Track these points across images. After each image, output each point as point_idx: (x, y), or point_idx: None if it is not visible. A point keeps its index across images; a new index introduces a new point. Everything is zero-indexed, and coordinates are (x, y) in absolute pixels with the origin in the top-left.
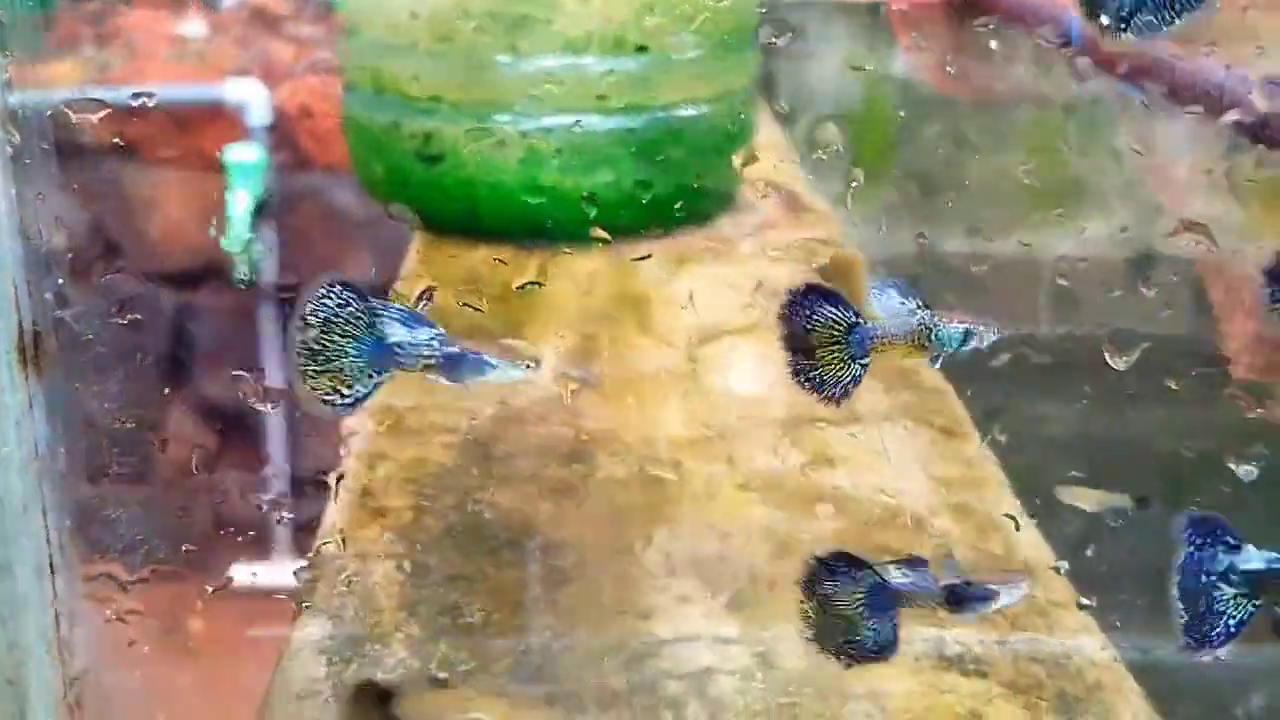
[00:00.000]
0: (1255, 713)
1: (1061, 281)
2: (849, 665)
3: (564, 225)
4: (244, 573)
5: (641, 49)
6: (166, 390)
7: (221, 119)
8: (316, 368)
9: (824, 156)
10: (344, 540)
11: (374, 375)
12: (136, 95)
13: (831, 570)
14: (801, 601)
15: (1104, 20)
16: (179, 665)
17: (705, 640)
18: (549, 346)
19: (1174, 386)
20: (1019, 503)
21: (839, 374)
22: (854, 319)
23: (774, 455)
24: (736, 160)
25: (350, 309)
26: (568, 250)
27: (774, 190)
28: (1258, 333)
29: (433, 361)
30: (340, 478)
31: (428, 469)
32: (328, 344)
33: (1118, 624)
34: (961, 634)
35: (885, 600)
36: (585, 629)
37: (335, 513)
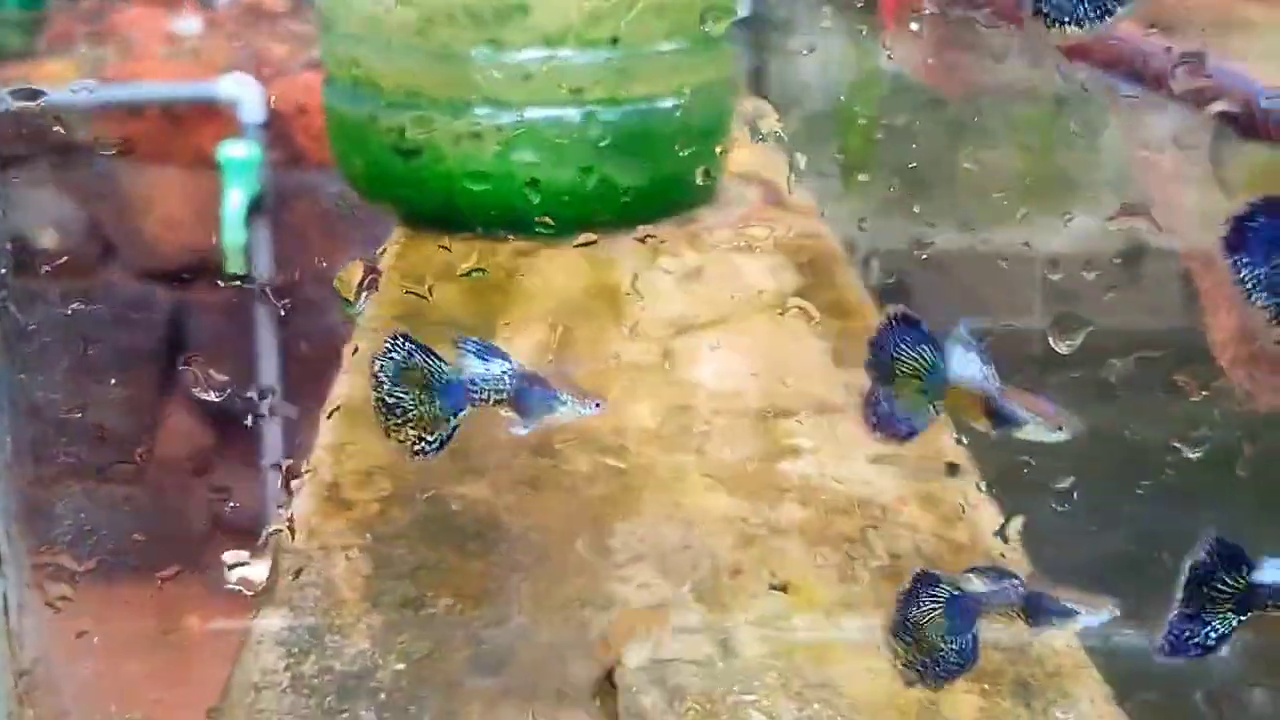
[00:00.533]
0: (1212, 698)
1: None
2: (936, 687)
3: (540, 218)
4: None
5: (615, 42)
6: (156, 388)
7: (216, 116)
8: (397, 421)
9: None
10: (292, 531)
11: (452, 417)
12: (75, 89)
13: (914, 595)
14: (891, 637)
15: (1046, 15)
16: (134, 657)
17: (666, 630)
18: (524, 338)
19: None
20: (983, 492)
21: (910, 410)
22: (937, 362)
23: (742, 446)
24: (716, 151)
25: (417, 359)
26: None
27: (755, 183)
28: (1241, 324)
29: (504, 397)
30: (290, 475)
31: (396, 461)
32: (402, 397)
33: None
34: None
35: (966, 613)
36: (546, 620)
37: (300, 505)
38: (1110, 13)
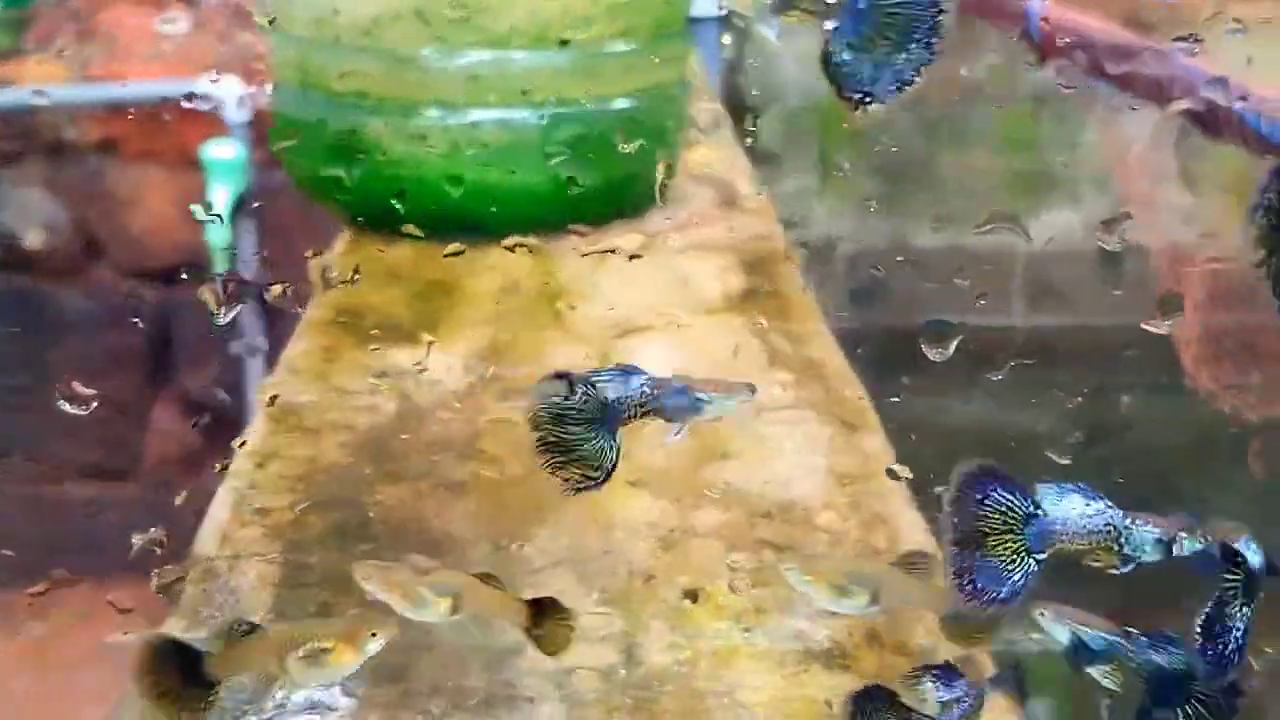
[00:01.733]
0: (1113, 707)
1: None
2: None
3: (489, 219)
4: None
5: (565, 43)
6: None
7: (201, 116)
8: (561, 459)
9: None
10: (160, 545)
11: (611, 444)
12: (38, 93)
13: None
14: None
15: (848, 95)
16: (24, 673)
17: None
18: (462, 342)
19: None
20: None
21: (1010, 569)
22: (1032, 509)
23: (669, 450)
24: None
25: (573, 398)
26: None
27: (709, 183)
28: (1205, 324)
29: (648, 407)
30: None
31: (318, 467)
32: (563, 435)
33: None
34: (831, 628)
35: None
36: (451, 628)
37: (216, 512)
38: (908, 83)
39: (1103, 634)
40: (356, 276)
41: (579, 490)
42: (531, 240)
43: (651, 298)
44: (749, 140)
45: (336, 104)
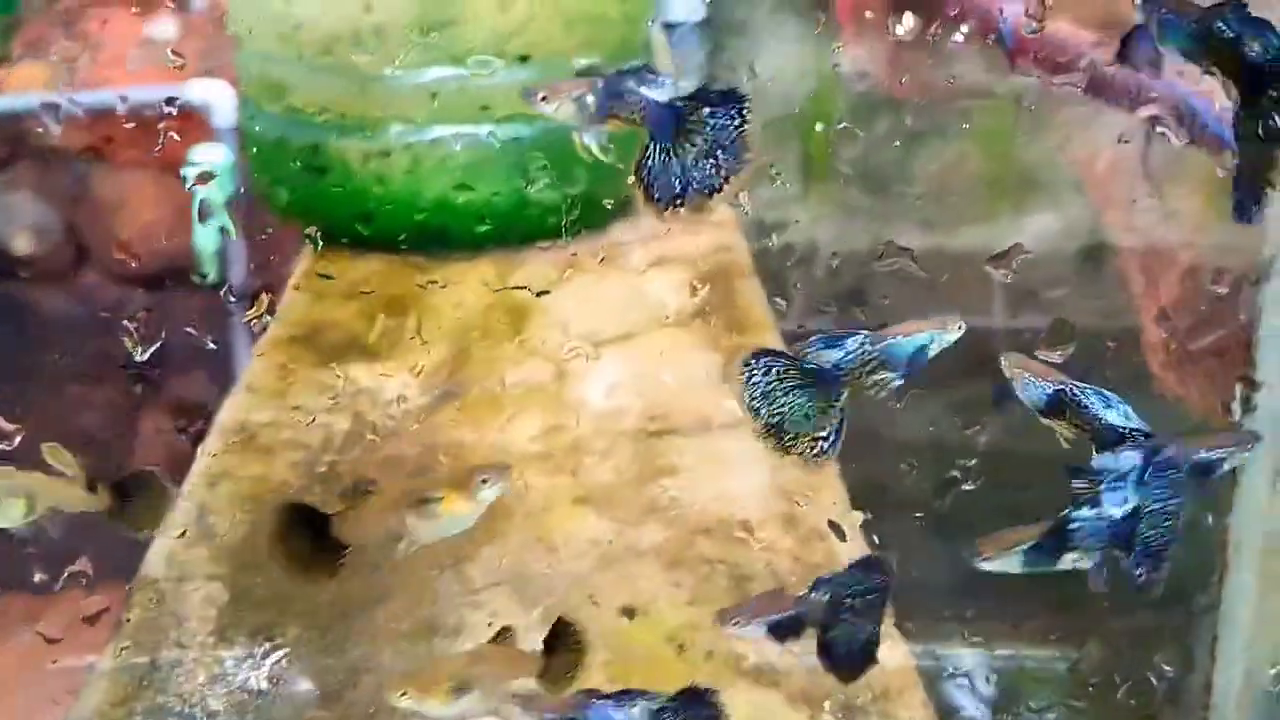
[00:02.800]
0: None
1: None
2: None
3: (451, 234)
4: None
5: (524, 59)
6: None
7: (188, 120)
8: (788, 439)
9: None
10: (87, 578)
11: (834, 406)
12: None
13: None
14: None
15: (656, 201)
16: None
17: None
18: (419, 358)
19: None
20: (851, 511)
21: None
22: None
23: (618, 466)
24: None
25: (777, 369)
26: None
27: None
28: (1172, 329)
29: (873, 362)
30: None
31: (269, 487)
32: (781, 412)
33: (911, 629)
34: (768, 646)
35: None
36: (391, 648)
37: (165, 532)
38: (716, 190)
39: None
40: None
41: (817, 459)
42: (493, 254)
43: (610, 312)
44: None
45: (298, 120)
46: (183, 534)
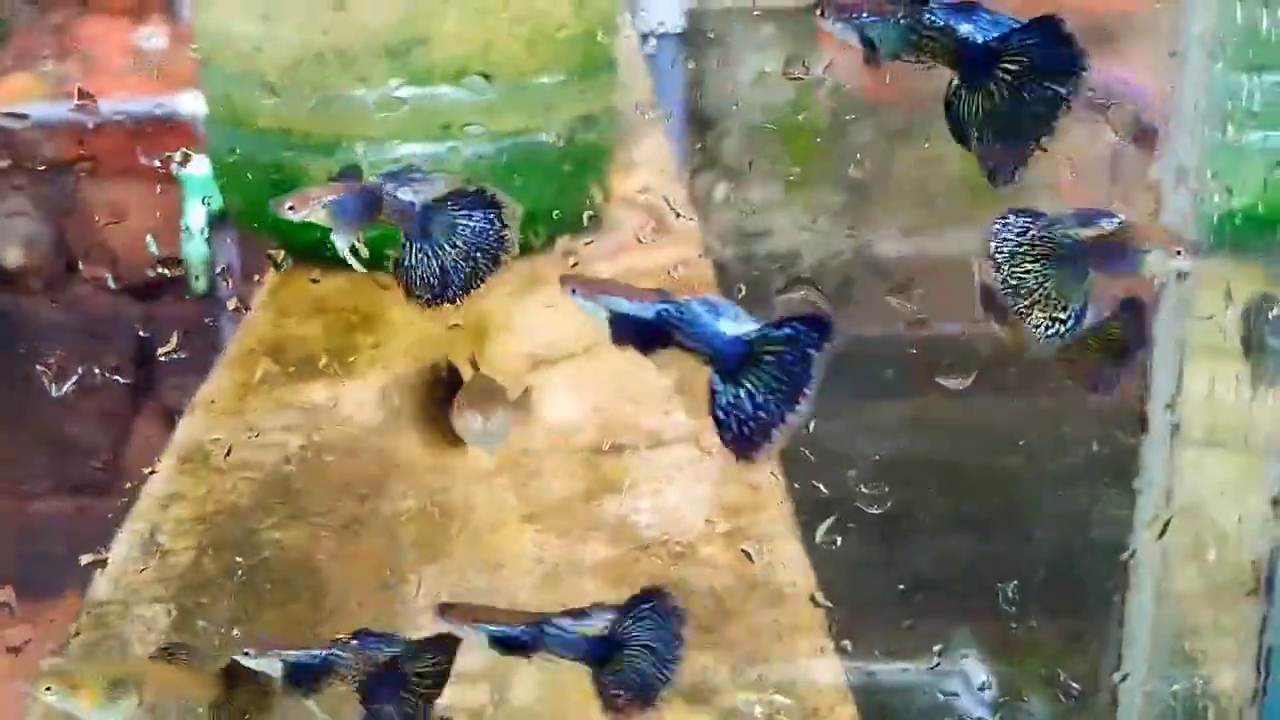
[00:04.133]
0: None
1: None
2: None
3: None
4: None
5: (485, 77)
6: None
7: (177, 131)
8: (1024, 304)
9: None
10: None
11: (1079, 287)
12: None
13: None
14: None
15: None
16: None
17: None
18: (376, 375)
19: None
20: (796, 528)
21: None
22: None
23: (567, 483)
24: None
25: (1032, 232)
26: None
27: (641, 209)
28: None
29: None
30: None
31: (220, 508)
32: (1022, 277)
33: (848, 647)
34: (707, 662)
35: None
36: None
37: (116, 553)
38: (472, 287)
39: None
40: None
41: (1050, 339)
42: None
43: (569, 326)
44: (698, 157)
45: (262, 140)
46: (130, 555)
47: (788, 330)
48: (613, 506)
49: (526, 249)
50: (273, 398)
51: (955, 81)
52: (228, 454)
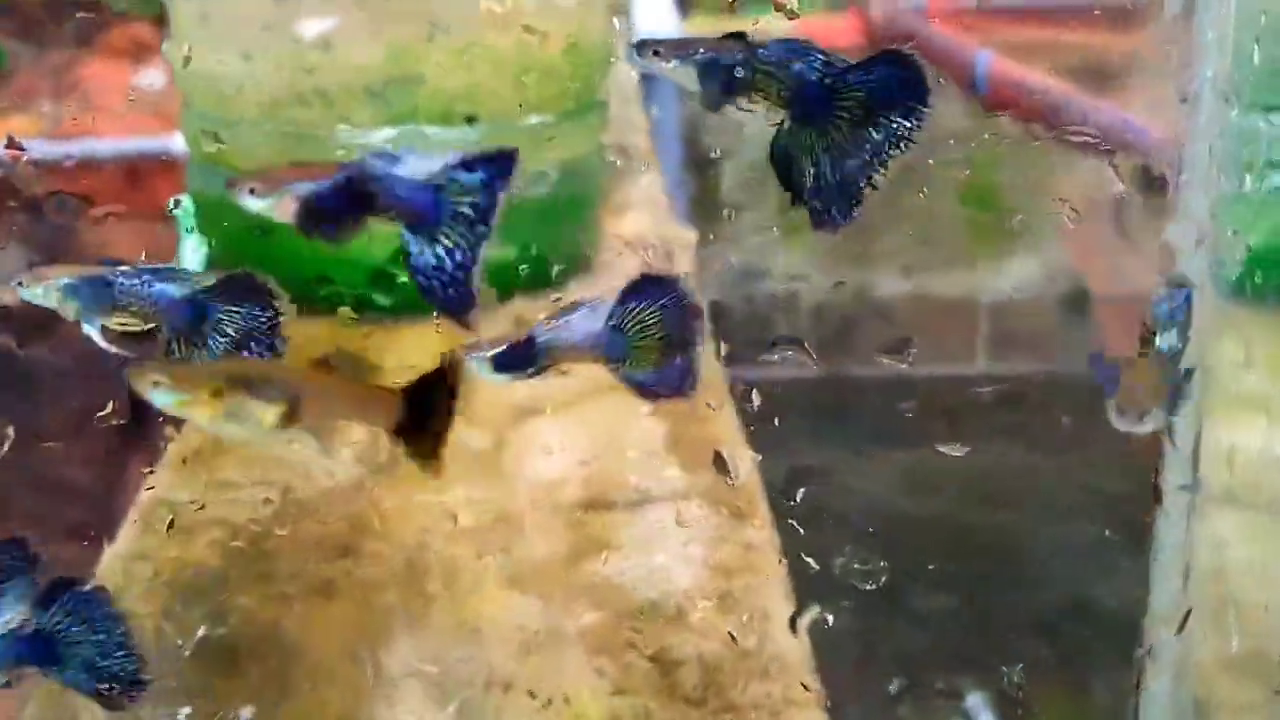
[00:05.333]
0: None
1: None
2: None
3: (400, 297)
4: None
5: (471, 120)
6: None
7: (174, 169)
8: None
9: None
10: None
11: None
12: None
13: None
14: None
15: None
16: None
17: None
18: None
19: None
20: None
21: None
22: None
23: (551, 543)
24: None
25: None
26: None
27: (633, 249)
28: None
29: None
30: None
31: (186, 570)
32: None
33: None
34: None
35: None
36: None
37: None
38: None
39: None
40: None
41: None
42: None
43: (553, 378)
44: (695, 196)
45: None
46: None
47: (480, 175)
48: (599, 568)
49: (511, 294)
50: (245, 452)
51: (786, 122)
52: (200, 509)
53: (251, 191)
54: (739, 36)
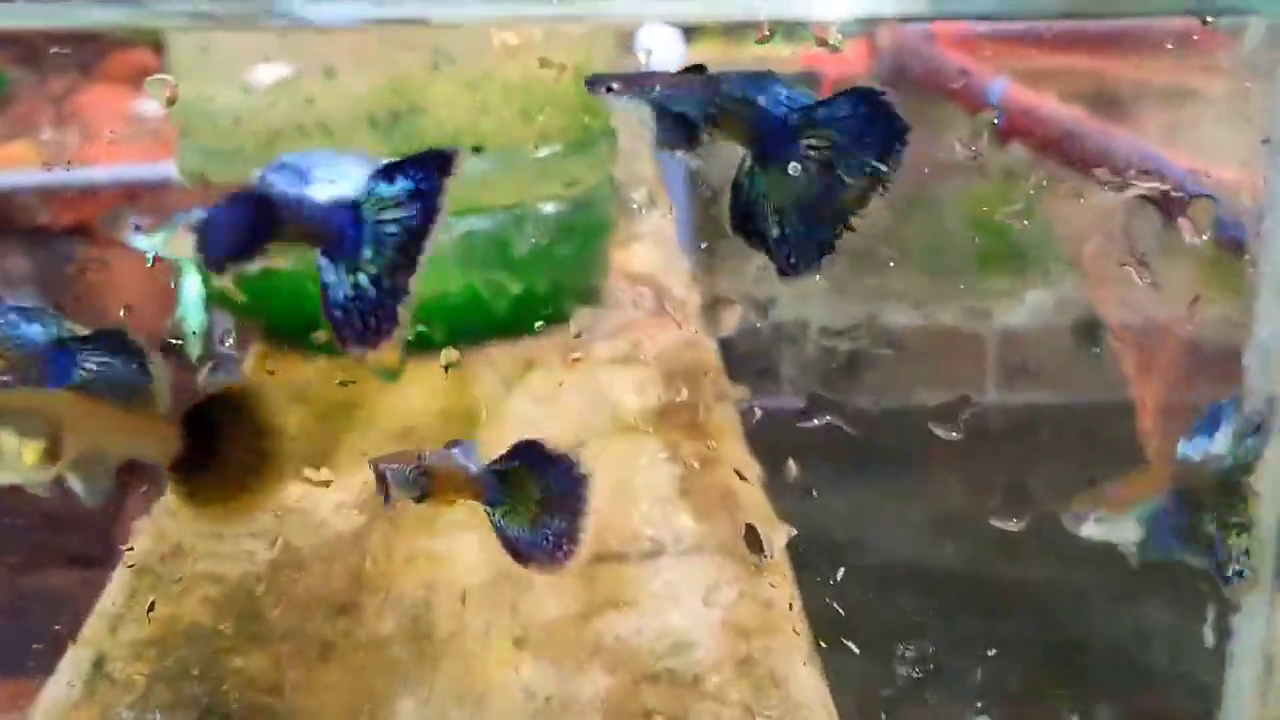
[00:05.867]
0: None
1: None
2: None
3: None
4: None
5: (477, 150)
6: None
7: (173, 196)
8: None
9: None
10: None
11: None
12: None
13: None
14: None
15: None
16: None
17: None
18: (359, 472)
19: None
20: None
21: None
22: None
23: (562, 600)
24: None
25: None
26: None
27: (640, 286)
28: (1166, 420)
29: None
30: None
31: (178, 628)
32: None
33: None
34: None
35: None
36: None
37: (58, 680)
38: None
39: None
40: None
41: None
42: (450, 354)
43: (567, 416)
44: (703, 227)
45: None
46: (73, 686)
47: (406, 183)
48: (611, 627)
49: (518, 332)
50: None
51: (748, 161)
52: (192, 563)
53: (137, 229)
54: (698, 70)
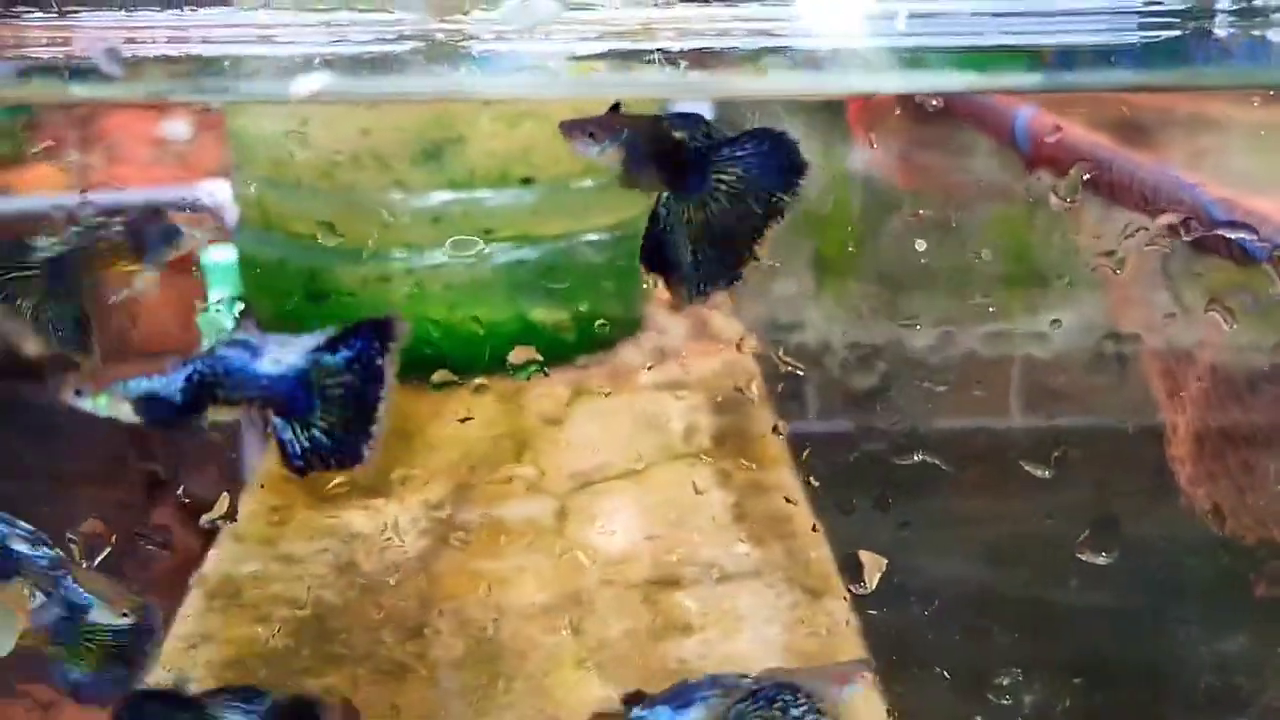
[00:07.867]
0: None
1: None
2: None
3: (456, 361)
4: None
5: (527, 181)
6: None
7: (200, 221)
8: None
9: None
10: None
11: None
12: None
13: None
14: None
15: None
16: None
17: None
18: (419, 496)
19: None
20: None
21: None
22: None
23: (626, 622)
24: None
25: None
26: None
27: (684, 311)
28: (1200, 438)
29: None
30: None
31: (254, 650)
32: None
33: None
34: None
35: None
36: None
37: None
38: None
39: None
40: None
41: None
42: (499, 382)
43: (617, 442)
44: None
45: (296, 245)
46: None
47: (345, 353)
48: (676, 650)
49: (566, 359)
50: (309, 524)
51: (665, 195)
52: (262, 589)
53: (78, 393)
54: (615, 108)
